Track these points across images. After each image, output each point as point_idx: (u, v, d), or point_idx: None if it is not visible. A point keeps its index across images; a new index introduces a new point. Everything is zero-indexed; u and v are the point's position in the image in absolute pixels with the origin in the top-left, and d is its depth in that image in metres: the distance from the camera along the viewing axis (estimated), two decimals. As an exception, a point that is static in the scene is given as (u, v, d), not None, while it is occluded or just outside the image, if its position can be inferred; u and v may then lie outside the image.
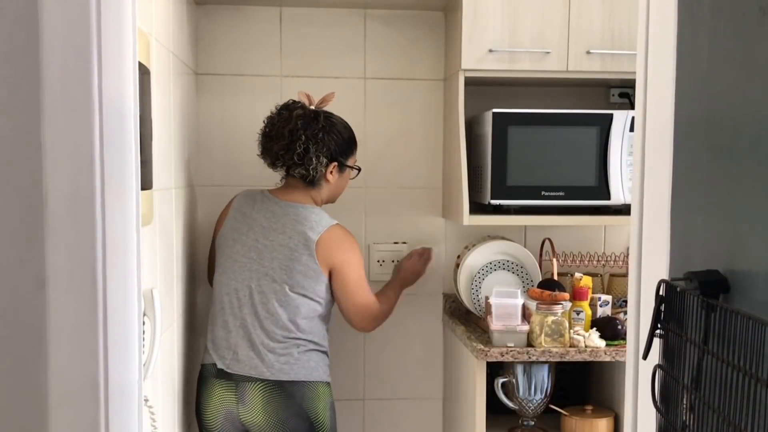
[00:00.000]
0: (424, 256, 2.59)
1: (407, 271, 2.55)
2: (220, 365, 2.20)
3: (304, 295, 2.19)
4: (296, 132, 2.21)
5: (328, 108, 2.31)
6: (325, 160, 2.24)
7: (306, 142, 2.21)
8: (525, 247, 2.58)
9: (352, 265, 2.25)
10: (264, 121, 2.30)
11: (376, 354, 2.73)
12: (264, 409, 2.15)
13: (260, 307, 2.19)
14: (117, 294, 0.98)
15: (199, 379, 2.26)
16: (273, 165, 2.29)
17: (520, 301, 2.27)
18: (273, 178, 2.36)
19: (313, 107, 2.28)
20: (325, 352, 2.26)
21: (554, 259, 2.51)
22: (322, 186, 2.29)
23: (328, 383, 2.25)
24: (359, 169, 2.40)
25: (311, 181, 2.26)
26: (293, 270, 2.18)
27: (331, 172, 2.28)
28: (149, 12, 1.83)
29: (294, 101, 2.29)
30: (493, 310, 2.26)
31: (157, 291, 1.67)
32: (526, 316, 2.30)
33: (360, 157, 2.65)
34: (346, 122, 2.33)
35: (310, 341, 2.21)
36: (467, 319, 2.62)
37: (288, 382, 2.16)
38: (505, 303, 2.26)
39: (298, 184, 2.28)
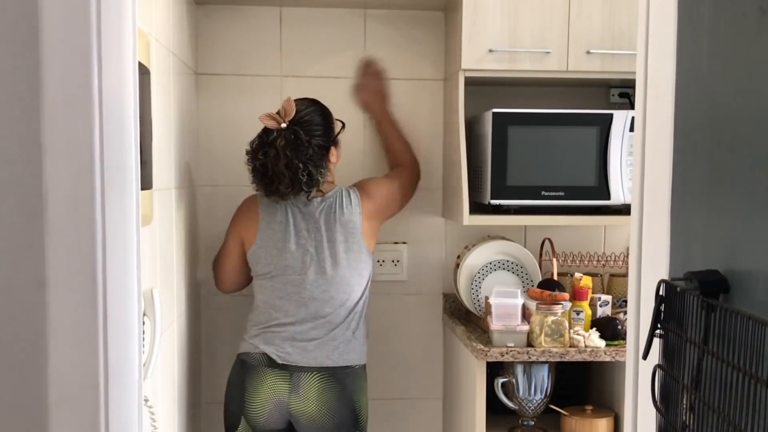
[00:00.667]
0: (369, 69, 2.61)
1: (369, 97, 2.60)
2: (273, 356, 2.20)
3: (360, 279, 2.27)
4: (292, 164, 2.15)
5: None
6: (324, 163, 2.23)
7: (306, 167, 2.17)
8: (525, 247, 2.58)
9: (390, 203, 2.40)
10: (248, 166, 2.22)
11: (376, 354, 2.73)
12: (318, 399, 2.18)
13: (320, 304, 2.22)
14: (117, 294, 0.98)
15: (244, 369, 2.23)
16: (286, 198, 2.22)
17: (520, 301, 2.27)
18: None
19: (284, 125, 2.18)
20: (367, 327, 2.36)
21: (554, 259, 2.51)
22: (330, 169, 2.30)
23: (365, 365, 2.33)
24: (343, 125, 2.35)
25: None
26: (348, 259, 2.24)
27: (332, 154, 2.28)
28: (149, 12, 1.83)
29: (266, 132, 2.20)
30: (493, 310, 2.26)
31: (157, 291, 1.67)
32: (526, 316, 2.30)
33: (361, 157, 2.65)
34: (312, 105, 2.27)
35: (361, 321, 2.29)
36: (467, 319, 2.62)
37: (342, 371, 2.21)
38: (505, 303, 2.26)
39: None
